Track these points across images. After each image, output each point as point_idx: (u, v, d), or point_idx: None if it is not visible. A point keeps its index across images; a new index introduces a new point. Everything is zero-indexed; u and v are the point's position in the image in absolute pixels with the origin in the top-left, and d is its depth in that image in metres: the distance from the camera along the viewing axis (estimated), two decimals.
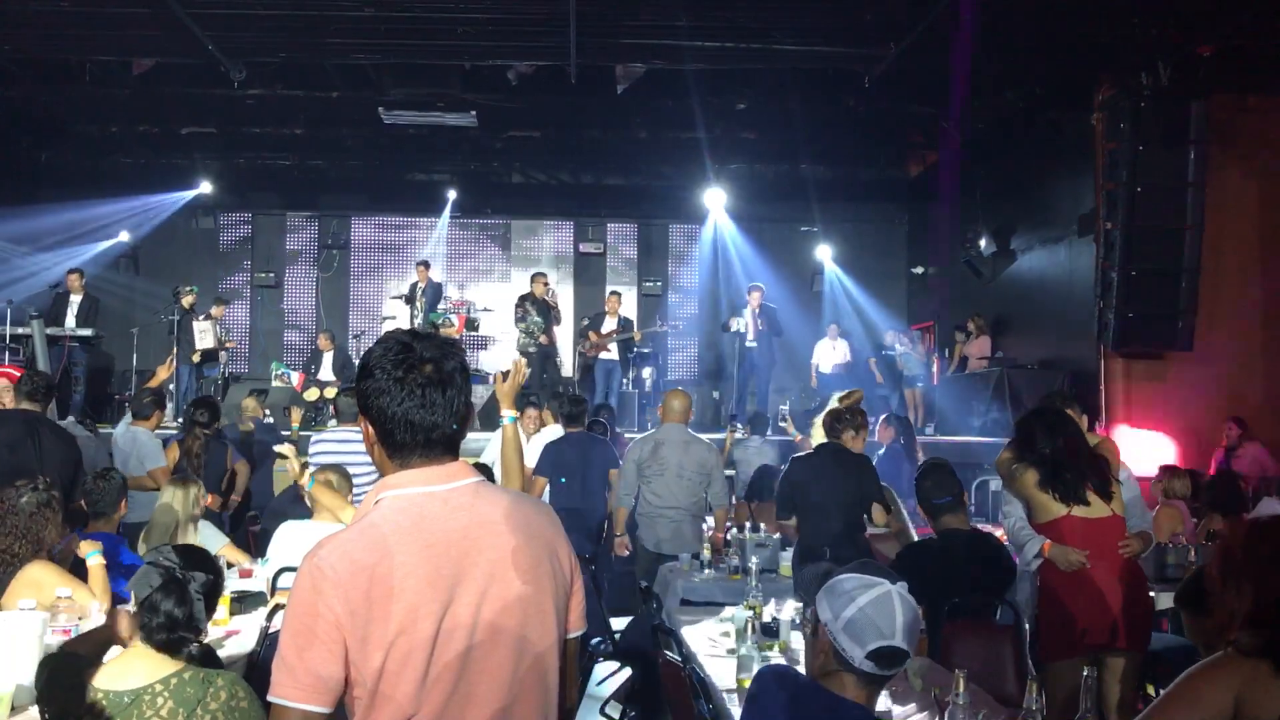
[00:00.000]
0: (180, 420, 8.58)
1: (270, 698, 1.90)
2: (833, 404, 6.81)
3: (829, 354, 14.30)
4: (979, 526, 5.63)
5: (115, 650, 3.01)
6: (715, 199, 15.53)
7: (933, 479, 4.93)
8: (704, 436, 7.06)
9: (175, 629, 2.74)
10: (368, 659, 1.88)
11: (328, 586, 1.88)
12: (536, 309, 12.83)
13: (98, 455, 7.74)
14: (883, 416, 9.66)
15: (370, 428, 2.05)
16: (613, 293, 13.71)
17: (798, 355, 15.25)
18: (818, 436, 6.55)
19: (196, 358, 12.75)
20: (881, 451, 9.25)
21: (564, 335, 16.53)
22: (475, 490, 2.06)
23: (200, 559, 2.93)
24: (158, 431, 7.73)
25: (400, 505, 1.99)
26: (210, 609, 2.88)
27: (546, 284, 13.38)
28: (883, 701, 2.95)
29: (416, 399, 2.00)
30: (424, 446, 2.03)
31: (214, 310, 13.77)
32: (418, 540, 1.94)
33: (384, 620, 1.88)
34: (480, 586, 1.97)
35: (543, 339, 12.79)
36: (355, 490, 5.30)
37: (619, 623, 6.75)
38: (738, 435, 10.44)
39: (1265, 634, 2.28)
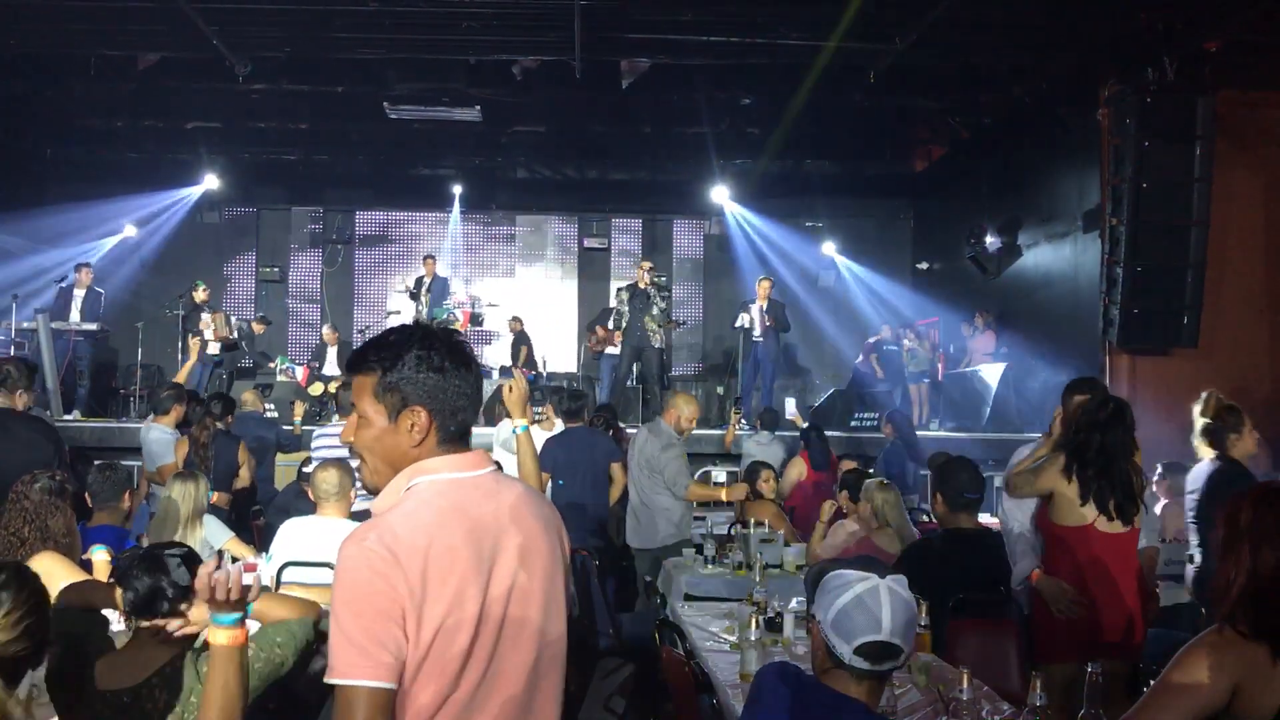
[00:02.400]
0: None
1: (336, 680, 1.90)
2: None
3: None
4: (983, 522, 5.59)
5: (117, 636, 3.02)
6: (720, 194, 15.53)
7: (968, 473, 4.88)
8: (709, 431, 7.10)
9: (156, 598, 2.75)
10: (420, 638, 1.94)
11: (387, 567, 1.92)
12: (634, 299, 12.15)
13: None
14: (884, 414, 9.67)
15: (422, 417, 2.07)
16: (620, 288, 13.69)
17: (805, 351, 15.26)
18: None
19: (214, 347, 12.69)
20: (886, 446, 9.27)
21: (569, 332, 16.58)
22: (496, 478, 2.16)
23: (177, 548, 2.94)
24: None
25: (438, 489, 2.06)
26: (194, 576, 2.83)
27: (648, 270, 12.32)
28: (886, 698, 2.94)
29: (470, 388, 2.12)
30: (463, 436, 2.14)
31: (255, 327, 13.86)
32: (461, 524, 2.02)
33: (436, 600, 1.95)
34: (510, 570, 2.06)
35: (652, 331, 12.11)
36: (357, 490, 5.29)
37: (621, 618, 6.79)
38: (744, 429, 10.45)
39: (1259, 612, 2.24)
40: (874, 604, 2.36)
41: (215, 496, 7.52)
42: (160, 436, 7.52)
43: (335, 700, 1.92)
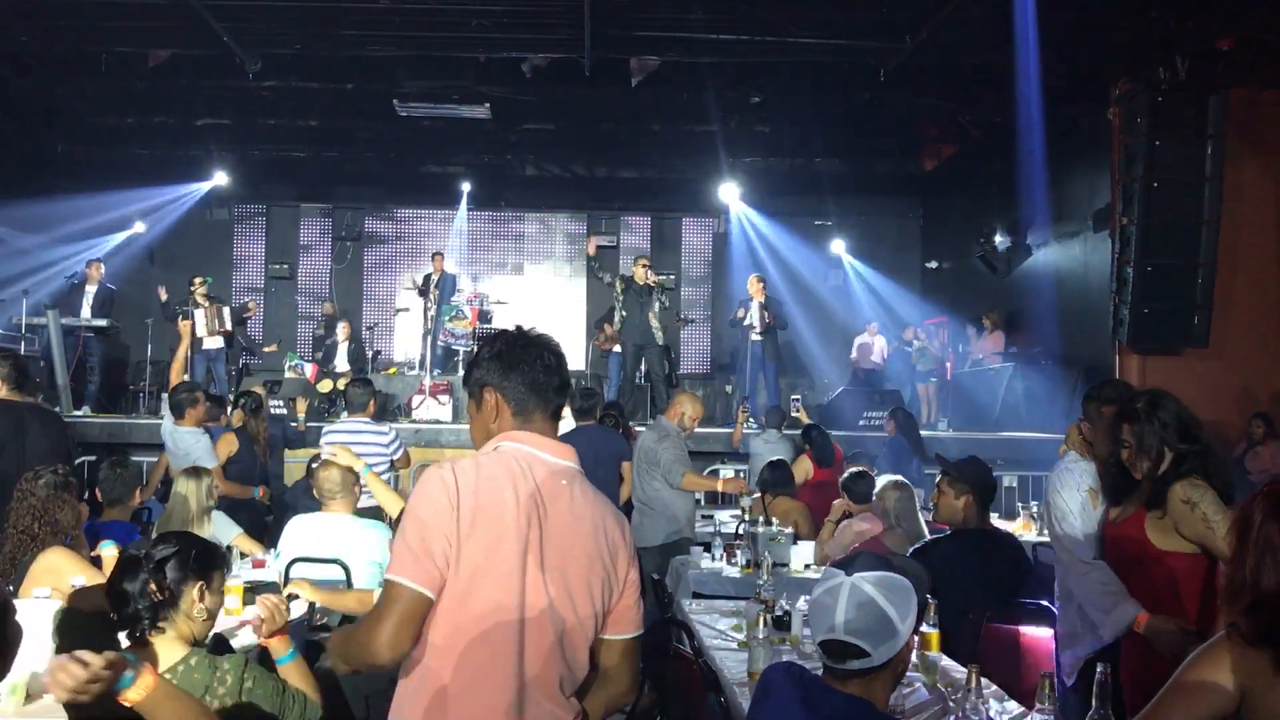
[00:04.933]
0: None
1: (388, 576, 2.19)
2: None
3: (868, 350, 14.29)
4: (993, 524, 5.57)
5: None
6: (729, 192, 15.51)
7: (986, 470, 4.88)
8: (716, 430, 7.06)
9: (126, 603, 2.71)
10: (457, 569, 2.19)
11: (452, 491, 2.21)
12: (630, 293, 11.94)
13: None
14: (887, 413, 9.66)
15: (496, 395, 2.40)
16: (614, 280, 13.64)
17: (813, 349, 15.24)
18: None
19: (211, 341, 12.60)
20: (887, 444, 9.25)
21: (577, 330, 16.58)
22: (573, 475, 2.39)
23: (178, 539, 2.88)
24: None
25: (518, 455, 2.33)
26: (187, 580, 2.77)
27: (647, 267, 12.01)
28: (894, 696, 2.93)
29: (537, 374, 2.43)
30: (543, 421, 2.43)
31: (250, 305, 13.87)
32: (521, 490, 2.26)
33: (479, 539, 2.19)
34: (550, 553, 2.26)
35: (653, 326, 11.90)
36: (362, 487, 5.29)
37: None
38: (752, 428, 10.42)
39: (1263, 618, 2.21)
40: (831, 601, 2.37)
41: (262, 491, 7.58)
42: (195, 440, 7.44)
43: (384, 592, 2.20)
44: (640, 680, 2.52)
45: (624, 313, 11.90)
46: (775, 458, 9.19)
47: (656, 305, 11.78)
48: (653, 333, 11.88)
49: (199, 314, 12.29)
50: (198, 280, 12.58)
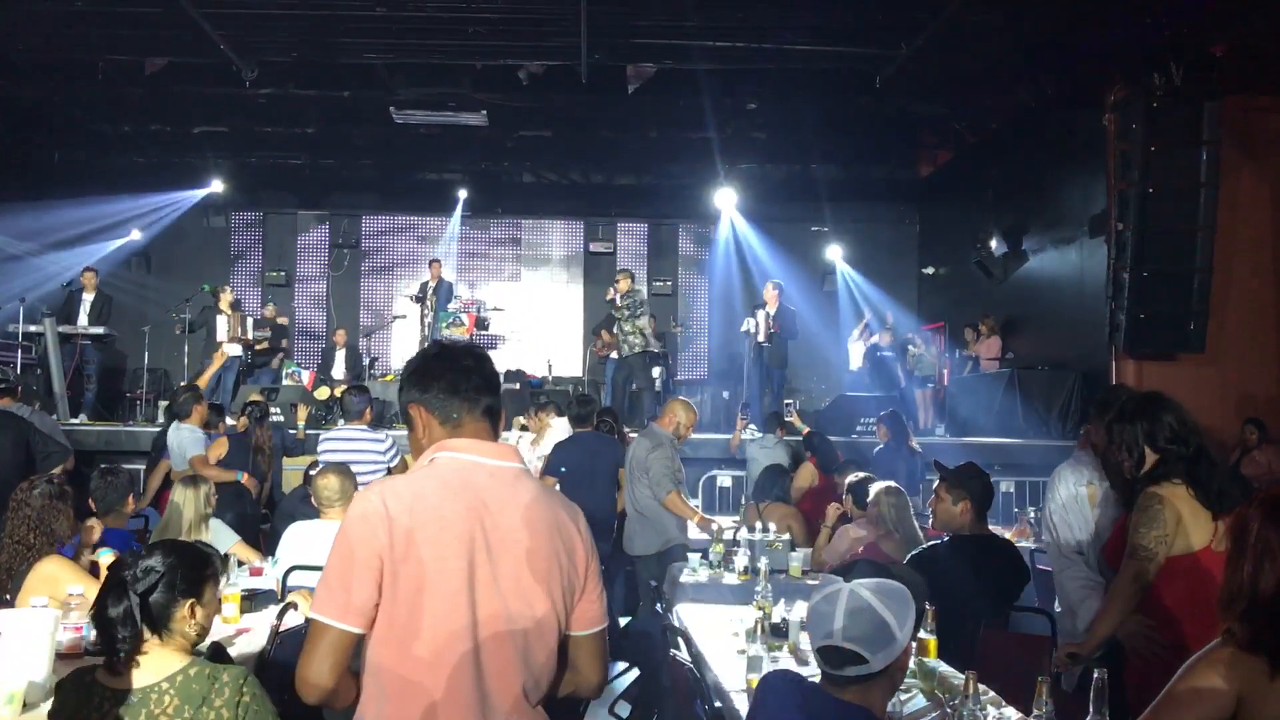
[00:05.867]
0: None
1: (310, 614, 2.14)
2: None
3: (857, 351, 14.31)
4: (990, 529, 5.57)
5: None
6: (726, 199, 15.52)
7: (985, 477, 4.89)
8: (714, 436, 7.06)
9: (109, 628, 2.68)
10: (396, 593, 2.12)
11: (375, 518, 2.15)
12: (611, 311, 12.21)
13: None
14: (880, 414, 9.67)
15: (420, 410, 2.37)
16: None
17: (808, 356, 15.24)
18: None
19: (233, 348, 12.73)
20: (879, 448, 9.26)
21: (574, 336, 16.59)
22: (517, 475, 2.33)
23: (165, 555, 2.81)
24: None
25: (455, 466, 2.28)
26: (175, 602, 2.73)
27: (617, 280, 12.25)
28: (891, 704, 2.93)
29: (457, 382, 2.37)
30: (475, 424, 2.37)
31: (267, 312, 13.99)
32: (461, 500, 2.21)
33: (417, 562, 2.13)
34: (501, 560, 2.21)
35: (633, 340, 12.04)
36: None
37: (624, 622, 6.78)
38: (753, 434, 10.43)
39: (1259, 624, 2.21)
40: (829, 608, 2.39)
41: (245, 478, 7.63)
42: (193, 436, 7.56)
43: (309, 628, 2.15)
44: (607, 671, 2.46)
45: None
46: (771, 463, 9.24)
47: (626, 315, 11.85)
48: (623, 344, 11.97)
49: (221, 320, 12.46)
50: (226, 289, 12.90)
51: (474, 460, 2.29)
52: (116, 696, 2.64)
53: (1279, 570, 2.24)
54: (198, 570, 2.85)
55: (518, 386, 13.24)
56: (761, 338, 12.11)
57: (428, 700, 2.13)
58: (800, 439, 9.63)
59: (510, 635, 2.19)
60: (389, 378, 14.46)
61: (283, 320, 14.46)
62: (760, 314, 12.16)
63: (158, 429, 9.09)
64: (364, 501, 2.19)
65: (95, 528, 4.93)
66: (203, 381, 8.31)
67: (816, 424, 11.15)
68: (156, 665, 2.69)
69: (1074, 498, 4.36)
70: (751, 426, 10.78)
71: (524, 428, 9.97)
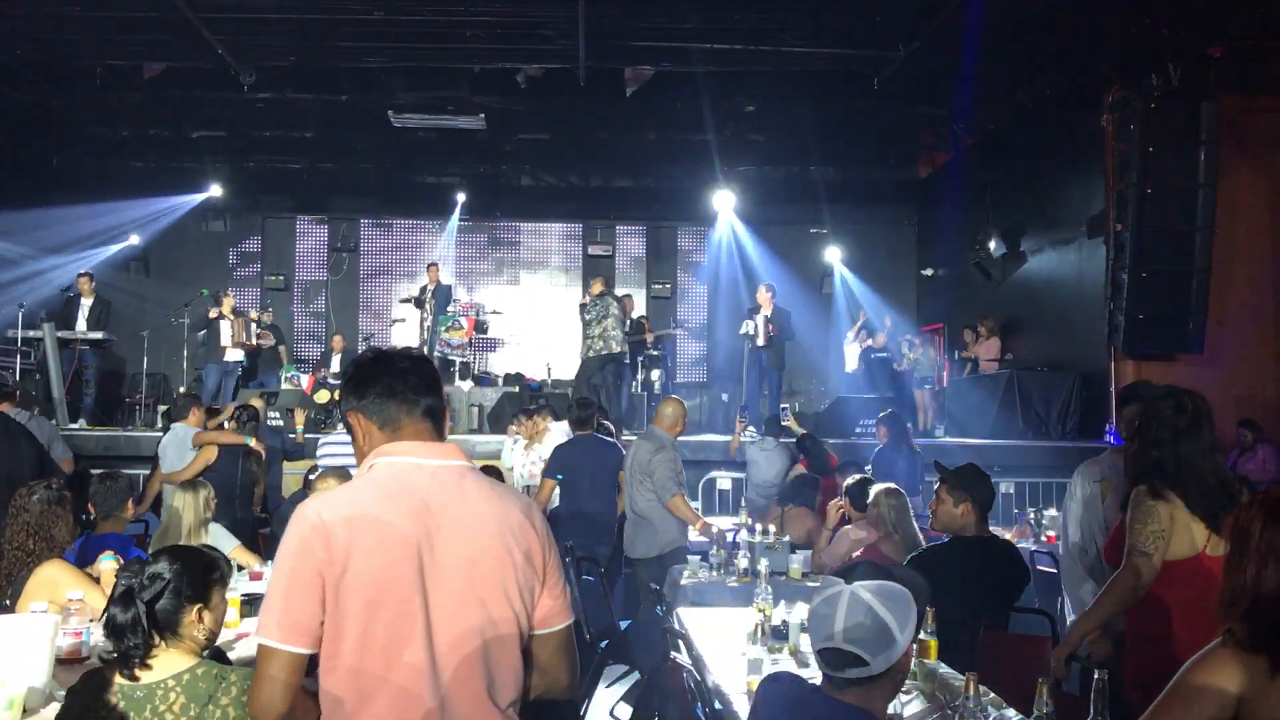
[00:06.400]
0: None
1: (255, 637, 2.08)
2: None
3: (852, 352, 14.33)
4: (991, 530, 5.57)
5: None
6: (724, 201, 15.52)
7: (985, 477, 4.89)
8: (713, 438, 7.06)
9: (120, 636, 2.69)
10: (340, 606, 2.07)
11: (313, 534, 2.09)
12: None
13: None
14: (880, 415, 9.66)
15: (359, 417, 2.31)
16: (625, 296, 13.69)
17: (806, 358, 15.24)
18: None
19: (234, 353, 12.75)
20: (875, 451, 9.25)
21: (573, 340, 16.58)
22: (462, 473, 2.26)
23: (171, 561, 2.81)
24: None
25: (392, 471, 2.21)
26: (183, 608, 2.74)
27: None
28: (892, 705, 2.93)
29: (393, 385, 2.30)
30: (415, 426, 2.29)
31: (264, 317, 13.98)
32: (401, 505, 2.14)
33: (359, 572, 2.07)
34: (450, 562, 2.14)
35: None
36: None
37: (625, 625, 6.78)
38: (749, 438, 10.42)
39: (1261, 624, 2.21)
40: (830, 610, 2.38)
41: (255, 441, 7.63)
42: (187, 434, 7.57)
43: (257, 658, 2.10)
44: (579, 671, 2.38)
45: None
46: (770, 466, 9.24)
47: (590, 319, 12.06)
48: (585, 347, 12.23)
49: (225, 325, 12.47)
50: (228, 295, 12.98)
51: (413, 462, 2.22)
52: (124, 694, 2.65)
53: None
54: (204, 575, 2.86)
55: (516, 389, 13.25)
56: (761, 341, 12.11)
57: (386, 713, 2.07)
58: (795, 441, 9.63)
59: (466, 639, 2.13)
60: None
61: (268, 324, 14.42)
62: (758, 317, 12.16)
63: (158, 434, 9.09)
64: (299, 517, 2.13)
65: None
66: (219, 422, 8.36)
67: (815, 426, 11.15)
68: (165, 666, 2.70)
69: (1088, 495, 4.36)
70: (750, 429, 10.78)
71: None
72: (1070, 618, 4.24)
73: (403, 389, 2.28)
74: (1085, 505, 4.38)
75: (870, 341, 14.15)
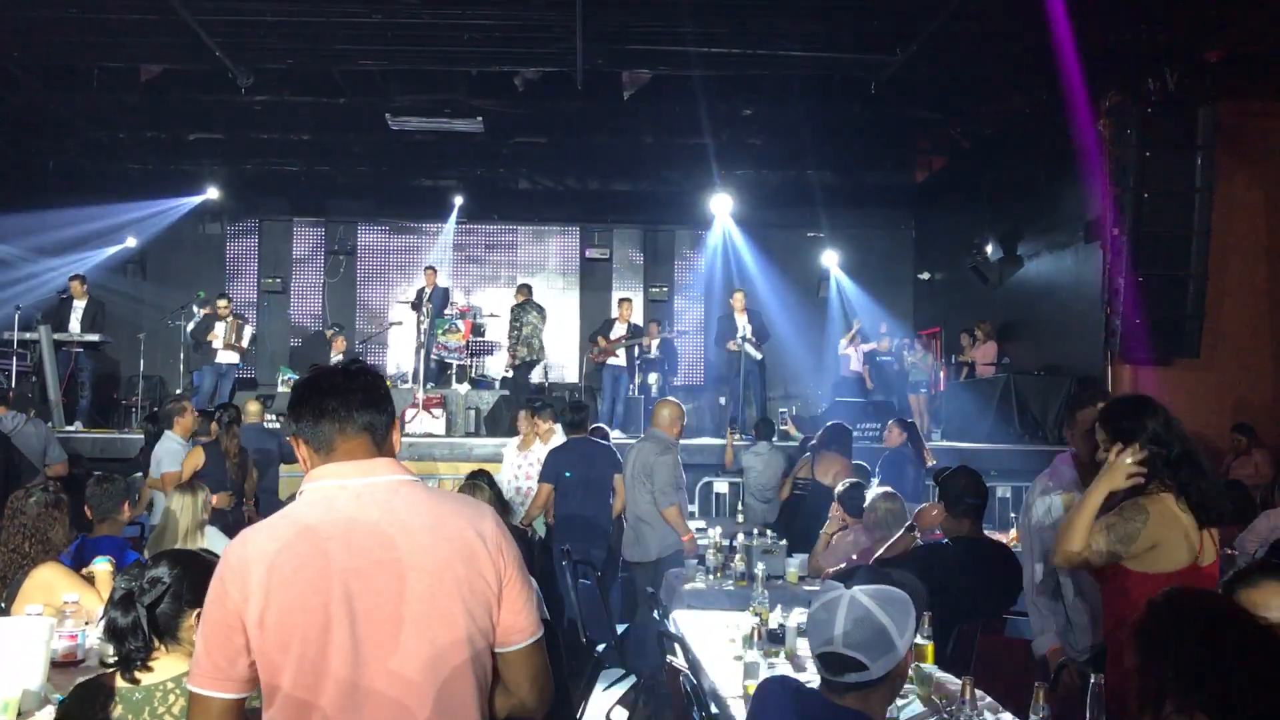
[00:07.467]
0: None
1: (188, 685, 2.04)
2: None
3: (847, 360, 14.32)
4: (988, 534, 5.57)
5: None
6: (721, 205, 15.52)
7: (969, 478, 4.89)
8: (710, 441, 7.05)
9: (121, 639, 2.69)
10: (264, 644, 1.97)
11: (229, 575, 2.01)
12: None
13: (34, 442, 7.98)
14: (891, 421, 9.63)
15: (299, 442, 2.21)
16: (623, 299, 13.68)
17: (803, 362, 15.24)
18: None
19: (227, 355, 12.75)
20: (886, 454, 9.23)
21: (571, 343, 16.58)
22: (393, 488, 2.12)
23: (170, 564, 2.81)
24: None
25: (315, 497, 2.11)
26: (183, 612, 2.73)
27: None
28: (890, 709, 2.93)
29: (324, 405, 2.17)
30: (348, 445, 2.16)
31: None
32: (320, 532, 2.03)
33: (278, 607, 1.97)
34: (379, 585, 2.02)
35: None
36: None
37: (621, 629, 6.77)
38: (738, 440, 10.42)
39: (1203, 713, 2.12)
40: (829, 614, 2.37)
41: (216, 499, 7.54)
42: (171, 446, 7.54)
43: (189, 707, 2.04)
44: (549, 688, 2.24)
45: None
46: (768, 470, 9.24)
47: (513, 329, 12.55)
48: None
49: (220, 326, 12.48)
50: (222, 299, 12.97)
51: (336, 484, 2.10)
52: (122, 696, 2.65)
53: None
54: (204, 579, 2.83)
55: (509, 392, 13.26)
56: (756, 354, 12.00)
57: None
58: (796, 445, 9.63)
59: (405, 666, 2.00)
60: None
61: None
62: (742, 326, 11.94)
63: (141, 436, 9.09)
64: (221, 563, 2.05)
65: None
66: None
67: (815, 429, 11.15)
68: (164, 668, 2.70)
69: (1048, 505, 4.20)
70: (738, 437, 10.72)
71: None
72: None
73: (335, 407, 2.14)
74: (1041, 509, 4.21)
75: (873, 346, 14.16)
